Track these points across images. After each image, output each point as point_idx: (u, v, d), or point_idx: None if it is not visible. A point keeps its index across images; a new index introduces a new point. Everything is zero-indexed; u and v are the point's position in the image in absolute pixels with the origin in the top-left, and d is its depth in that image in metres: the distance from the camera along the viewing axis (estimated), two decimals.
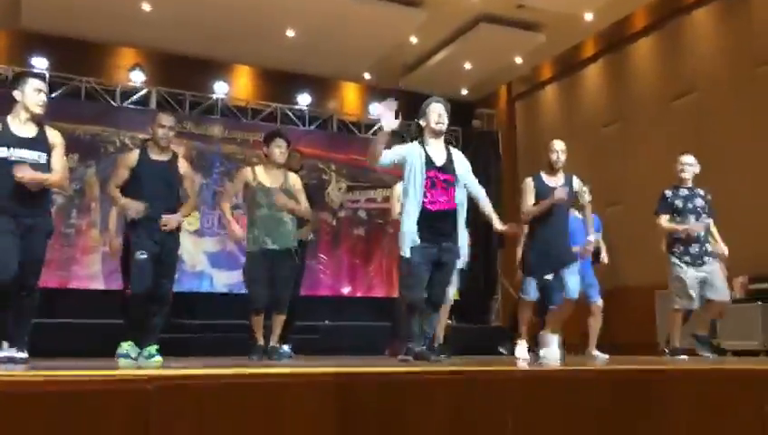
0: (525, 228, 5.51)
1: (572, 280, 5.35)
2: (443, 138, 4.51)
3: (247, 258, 5.34)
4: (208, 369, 2.56)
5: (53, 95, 9.53)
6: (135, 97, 10.13)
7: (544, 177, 5.48)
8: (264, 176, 5.34)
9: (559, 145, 5.49)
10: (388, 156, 4.32)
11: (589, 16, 9.32)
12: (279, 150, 5.34)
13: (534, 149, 11.41)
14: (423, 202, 4.24)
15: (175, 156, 5.11)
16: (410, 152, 4.36)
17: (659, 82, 9.31)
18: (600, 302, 6.49)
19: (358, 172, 11.11)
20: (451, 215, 4.33)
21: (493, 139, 12.11)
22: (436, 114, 4.42)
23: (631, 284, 8.85)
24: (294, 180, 5.46)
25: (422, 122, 4.48)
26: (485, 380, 2.45)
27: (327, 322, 9.28)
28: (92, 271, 9.35)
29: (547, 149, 5.53)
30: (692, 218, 5.71)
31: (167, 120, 5.03)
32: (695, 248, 5.67)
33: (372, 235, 11.08)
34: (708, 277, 5.61)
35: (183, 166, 5.12)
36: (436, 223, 4.25)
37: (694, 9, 8.89)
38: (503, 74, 11.48)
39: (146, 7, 9.03)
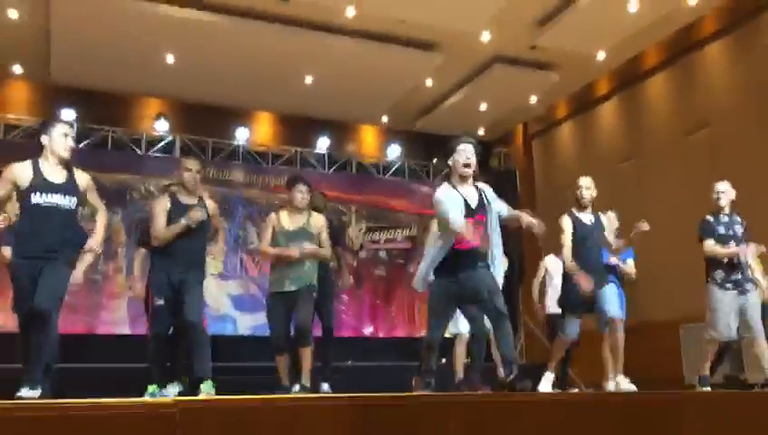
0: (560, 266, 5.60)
1: (611, 299, 5.29)
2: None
3: (267, 300, 5.51)
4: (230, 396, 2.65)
5: (81, 145, 9.86)
6: (159, 145, 10.42)
7: (577, 213, 5.53)
8: (286, 220, 5.50)
9: (584, 181, 5.55)
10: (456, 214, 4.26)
11: (601, 55, 9.47)
12: (300, 195, 5.49)
13: (552, 186, 11.52)
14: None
15: (201, 197, 5.29)
16: (451, 201, 4.32)
17: (673, 117, 9.40)
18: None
19: (377, 213, 11.26)
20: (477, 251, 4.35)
21: (510, 177, 12.23)
22: (465, 156, 4.40)
23: (655, 319, 8.80)
24: (316, 221, 5.59)
25: (450, 162, 4.48)
26: (497, 403, 2.51)
27: (350, 362, 9.31)
28: (119, 316, 9.51)
29: (573, 187, 5.59)
30: (733, 244, 5.61)
31: (192, 163, 5.25)
32: (737, 275, 5.56)
33: (393, 275, 11.16)
34: (747, 310, 5.49)
35: (210, 206, 5.30)
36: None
37: (705, 44, 9.01)
38: (518, 113, 11.64)
39: (170, 59, 9.34)
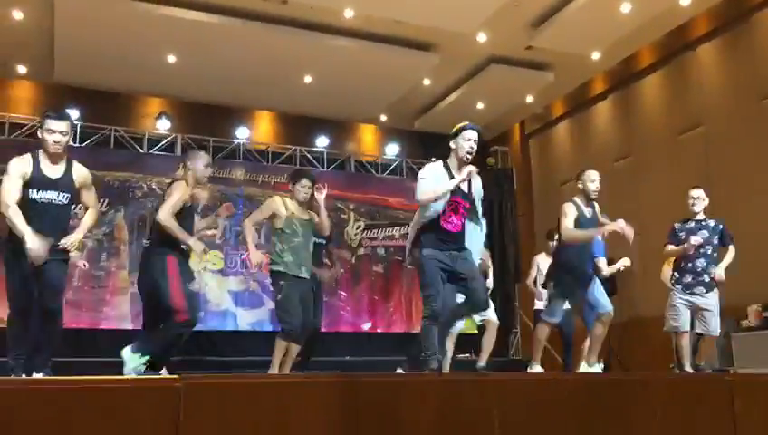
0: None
1: (600, 294, 5.47)
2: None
3: (284, 287, 5.43)
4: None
5: (84, 144, 10.03)
6: (161, 144, 10.58)
7: (580, 203, 5.66)
8: (297, 209, 5.64)
9: (592, 175, 5.68)
10: (429, 194, 4.38)
11: (596, 55, 9.62)
12: (303, 190, 5.64)
13: (548, 184, 11.68)
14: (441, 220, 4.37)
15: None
16: (437, 179, 4.42)
17: (667, 116, 9.56)
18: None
19: (375, 211, 11.42)
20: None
21: (508, 175, 12.39)
22: (470, 144, 4.47)
23: (648, 314, 8.95)
24: (313, 215, 5.79)
25: (453, 145, 4.52)
26: (474, 382, 2.69)
27: (348, 357, 9.48)
28: (121, 311, 9.67)
29: (582, 180, 5.70)
30: (697, 240, 5.95)
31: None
32: (688, 278, 5.98)
33: (391, 271, 11.32)
34: (702, 311, 5.92)
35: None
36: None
37: (699, 45, 9.16)
38: (515, 113, 11.80)
39: (171, 59, 9.50)
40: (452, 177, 4.43)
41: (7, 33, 8.97)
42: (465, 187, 4.49)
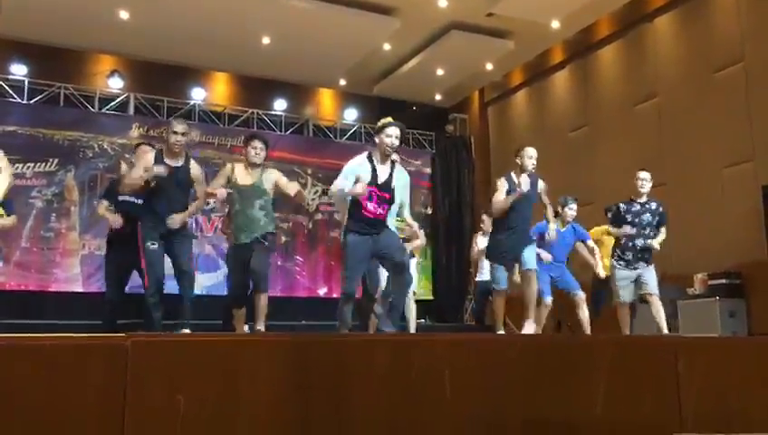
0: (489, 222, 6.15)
1: (527, 254, 5.73)
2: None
3: (228, 253, 5.72)
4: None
5: (32, 101, 9.70)
6: (113, 103, 10.30)
7: (514, 177, 5.86)
8: (241, 174, 5.55)
9: (531, 151, 5.85)
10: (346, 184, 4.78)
11: (555, 24, 9.65)
12: (254, 151, 5.57)
13: (506, 152, 11.71)
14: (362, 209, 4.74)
15: (188, 159, 5.47)
16: (359, 172, 4.78)
17: (623, 87, 9.67)
18: (582, 294, 6.78)
19: (333, 176, 11.23)
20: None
21: (466, 143, 12.44)
22: (392, 140, 4.80)
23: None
24: (269, 176, 5.64)
25: (377, 140, 4.86)
26: (425, 341, 2.73)
27: (303, 321, 9.49)
28: (72, 274, 9.48)
29: (521, 155, 5.86)
30: (633, 231, 6.30)
31: (179, 127, 5.39)
32: (629, 255, 6.34)
33: None
34: (641, 277, 6.32)
35: (195, 169, 5.49)
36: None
37: (656, 17, 9.26)
38: (475, 80, 11.80)
39: (123, 15, 9.21)
40: (374, 169, 4.76)
41: None
42: (384, 177, 4.80)
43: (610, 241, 6.82)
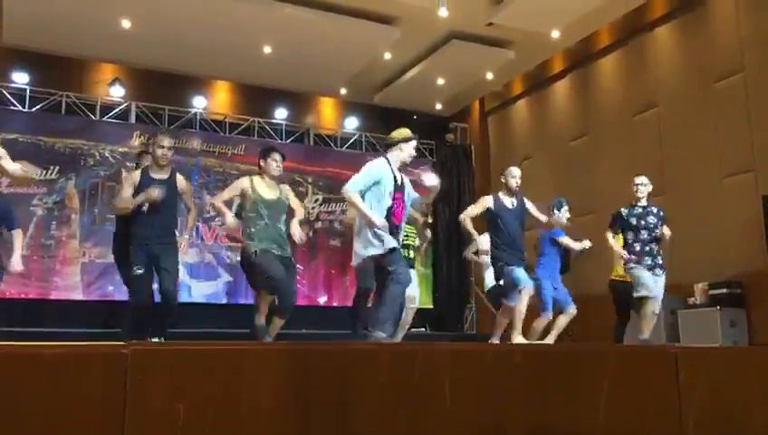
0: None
1: (524, 274, 6.03)
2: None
3: (255, 259, 5.33)
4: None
5: (34, 109, 9.73)
6: (114, 111, 10.32)
7: (501, 196, 6.25)
8: (264, 189, 5.49)
9: (513, 171, 6.24)
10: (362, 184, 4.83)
11: (556, 34, 9.67)
12: (275, 164, 5.54)
13: (506, 162, 11.70)
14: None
15: (173, 172, 5.48)
16: (380, 176, 4.83)
17: (623, 97, 9.69)
18: (574, 308, 6.83)
19: (333, 184, 11.36)
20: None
21: (466, 152, 12.46)
22: (411, 151, 4.94)
23: (601, 292, 9.12)
24: (287, 191, 5.69)
25: (399, 149, 4.93)
26: (426, 350, 2.72)
27: (304, 331, 9.46)
28: (72, 282, 9.48)
29: (506, 175, 6.26)
30: (644, 234, 6.34)
31: (166, 140, 5.42)
32: (648, 260, 6.31)
33: (348, 245, 11.24)
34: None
35: (182, 184, 5.49)
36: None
37: (656, 27, 9.28)
38: (475, 90, 11.82)
39: (125, 24, 9.24)
40: (394, 177, 4.84)
41: None
42: (398, 181, 4.90)
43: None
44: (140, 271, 5.18)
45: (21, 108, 9.70)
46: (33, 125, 9.65)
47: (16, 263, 5.11)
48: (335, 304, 11.09)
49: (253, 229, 5.40)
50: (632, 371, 3.17)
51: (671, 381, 3.22)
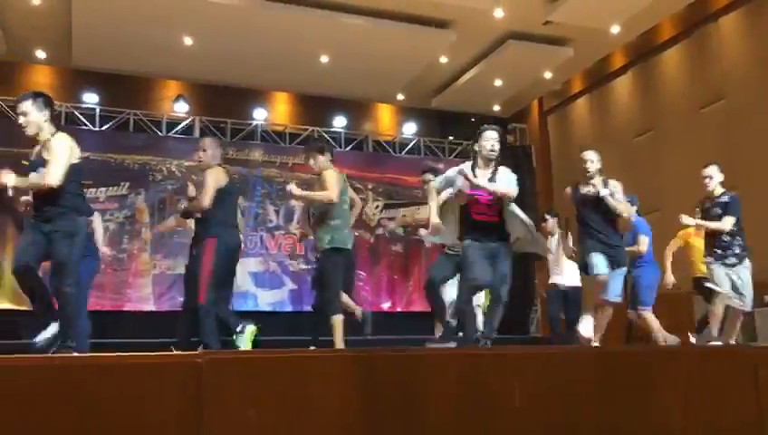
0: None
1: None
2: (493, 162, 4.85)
3: (335, 259, 5.49)
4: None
5: (104, 127, 10.12)
6: (179, 127, 10.63)
7: (580, 186, 5.58)
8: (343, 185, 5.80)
9: (587, 155, 5.54)
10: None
11: (615, 29, 9.48)
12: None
13: (567, 161, 11.57)
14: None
15: None
16: (455, 176, 4.81)
17: (688, 90, 9.42)
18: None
19: (393, 190, 11.42)
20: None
21: (526, 153, 12.31)
22: (491, 143, 4.78)
23: (668, 290, 8.88)
24: None
25: (476, 147, 4.84)
26: (494, 356, 2.70)
27: (368, 336, 9.50)
28: (144, 294, 9.78)
29: (579, 161, 5.67)
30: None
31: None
32: (731, 259, 5.83)
33: (410, 251, 11.32)
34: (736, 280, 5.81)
35: None
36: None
37: (720, 16, 9.00)
38: (534, 89, 11.69)
39: (187, 41, 9.51)
40: (475, 176, 4.72)
41: (25, 17, 9.03)
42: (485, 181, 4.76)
43: (700, 242, 6.39)
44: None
45: (91, 127, 10.10)
46: (104, 143, 10.02)
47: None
48: (399, 310, 11.11)
49: (341, 219, 5.73)
50: (709, 373, 3.07)
51: (749, 383, 3.10)
